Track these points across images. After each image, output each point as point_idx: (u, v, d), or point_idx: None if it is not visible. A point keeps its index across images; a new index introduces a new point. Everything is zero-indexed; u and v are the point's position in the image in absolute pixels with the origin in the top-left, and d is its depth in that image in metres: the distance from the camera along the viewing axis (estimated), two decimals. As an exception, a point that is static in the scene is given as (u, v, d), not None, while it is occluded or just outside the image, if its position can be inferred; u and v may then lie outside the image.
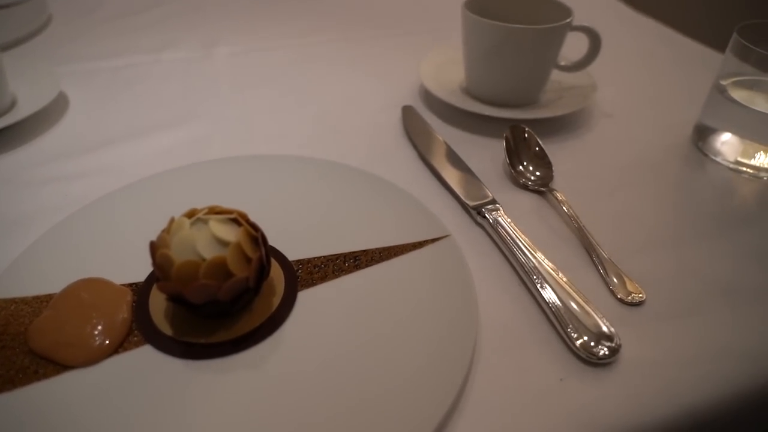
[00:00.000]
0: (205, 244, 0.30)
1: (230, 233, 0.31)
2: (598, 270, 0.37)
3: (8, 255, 0.38)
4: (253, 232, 0.32)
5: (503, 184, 0.45)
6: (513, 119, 0.50)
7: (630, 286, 0.36)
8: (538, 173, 0.45)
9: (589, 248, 0.38)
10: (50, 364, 0.30)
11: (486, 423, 0.29)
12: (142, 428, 0.28)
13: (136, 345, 0.32)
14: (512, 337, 0.33)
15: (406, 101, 0.56)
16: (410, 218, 0.40)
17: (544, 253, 0.37)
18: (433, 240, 0.38)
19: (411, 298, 0.34)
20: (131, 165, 0.48)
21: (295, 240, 0.38)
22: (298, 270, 0.36)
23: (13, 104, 0.54)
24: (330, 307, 0.34)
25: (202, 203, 0.39)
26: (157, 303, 0.34)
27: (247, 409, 0.28)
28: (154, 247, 0.31)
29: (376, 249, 0.38)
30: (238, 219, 0.32)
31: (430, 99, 0.56)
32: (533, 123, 0.51)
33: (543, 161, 0.45)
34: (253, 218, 0.38)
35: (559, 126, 0.52)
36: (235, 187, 0.43)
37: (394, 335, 0.32)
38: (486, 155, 0.48)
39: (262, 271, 0.32)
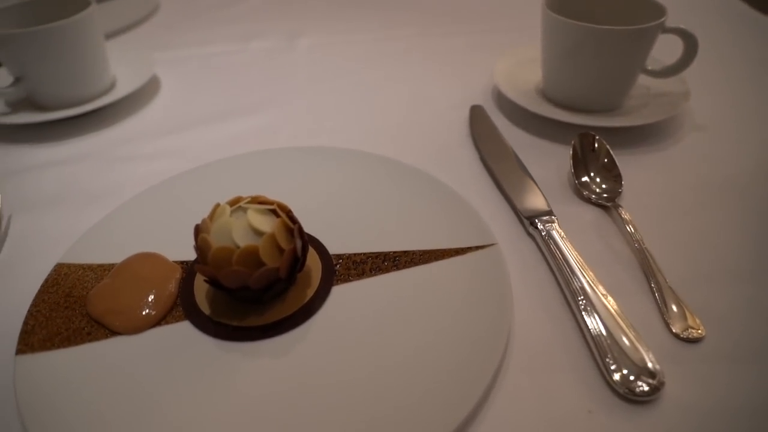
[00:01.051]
0: (241, 232, 0.31)
1: (266, 224, 0.32)
2: (655, 298, 0.34)
3: (85, 225, 0.41)
4: (289, 224, 0.33)
5: (565, 194, 0.42)
6: (589, 126, 0.47)
7: (689, 320, 0.32)
8: (604, 186, 0.42)
9: (648, 273, 0.35)
10: (101, 329, 0.33)
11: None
12: (169, 397, 0.29)
13: (177, 320, 0.34)
14: (544, 359, 0.31)
15: (477, 101, 0.54)
16: (457, 222, 0.39)
17: (595, 273, 0.34)
18: (478, 247, 0.37)
19: (444, 304, 0.33)
20: (205, 148, 0.51)
21: (338, 234, 0.39)
22: (336, 264, 0.37)
23: (112, 86, 0.59)
24: (361, 305, 0.34)
25: (257, 190, 0.41)
26: (201, 283, 0.36)
27: (267, 393, 0.29)
28: (197, 231, 0.33)
29: (417, 251, 0.37)
30: (277, 210, 0.33)
31: (501, 100, 0.54)
32: (610, 131, 0.47)
33: (611, 173, 0.42)
34: (300, 209, 0.39)
35: (639, 136, 0.48)
36: (290, 177, 0.44)
37: (421, 340, 0.31)
38: (552, 163, 0.45)
39: (296, 263, 0.33)
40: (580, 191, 0.42)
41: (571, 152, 0.43)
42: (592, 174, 0.43)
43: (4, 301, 0.36)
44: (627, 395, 0.29)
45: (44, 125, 0.55)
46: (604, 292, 0.33)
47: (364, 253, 0.37)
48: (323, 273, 0.36)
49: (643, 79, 0.50)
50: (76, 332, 0.33)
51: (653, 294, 0.34)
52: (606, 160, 0.43)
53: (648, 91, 0.51)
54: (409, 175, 0.43)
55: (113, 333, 0.33)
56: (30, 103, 0.56)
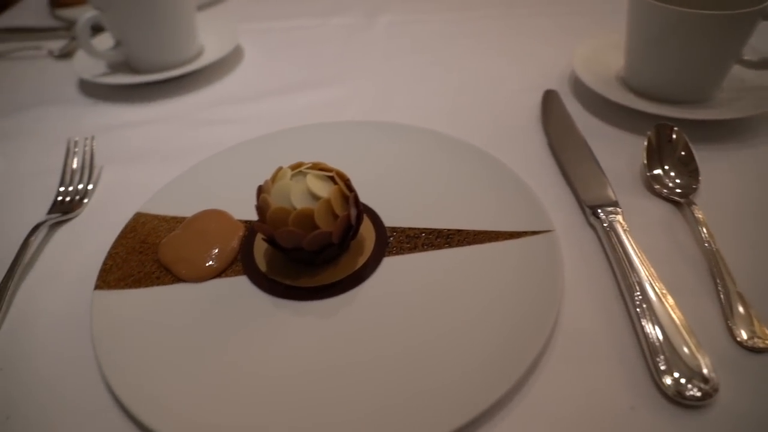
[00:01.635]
0: (299, 195, 0.32)
1: (323, 189, 0.33)
2: (720, 302, 0.32)
3: (164, 180, 0.44)
4: (346, 192, 0.34)
5: (635, 187, 0.40)
6: (672, 118, 0.44)
7: (756, 329, 0.30)
8: (678, 181, 0.39)
9: (717, 275, 0.33)
10: (168, 275, 0.36)
11: (531, 430, 0.27)
12: (220, 342, 0.31)
13: (236, 273, 0.36)
14: (591, 350, 0.30)
15: (553, 86, 0.52)
16: (515, 206, 0.38)
17: (657, 270, 0.33)
18: (534, 232, 0.36)
19: (492, 286, 0.33)
20: (279, 116, 0.53)
21: (395, 207, 0.39)
22: (390, 236, 0.37)
23: (200, 54, 0.62)
24: (410, 278, 0.34)
25: (322, 158, 0.42)
26: (260, 242, 0.38)
27: (310, 350, 0.31)
28: (259, 191, 0.34)
29: (471, 231, 0.37)
30: (335, 177, 0.34)
31: (578, 86, 0.52)
32: (695, 125, 0.44)
33: (687, 168, 0.40)
34: (360, 180, 0.39)
35: (727, 131, 0.45)
36: (354, 149, 0.45)
37: (465, 318, 0.32)
38: (624, 154, 0.43)
39: (349, 230, 0.34)
40: (651, 184, 0.40)
41: (645, 143, 0.41)
42: (666, 167, 0.40)
43: (89, 242, 0.40)
44: (675, 398, 0.27)
45: (137, 87, 0.59)
46: (664, 291, 0.32)
47: (419, 228, 0.38)
48: (376, 243, 0.37)
49: (738, 71, 0.46)
50: (147, 275, 0.36)
51: (719, 297, 0.32)
52: (683, 153, 0.40)
53: (742, 83, 0.47)
54: (470, 155, 0.43)
55: (178, 279, 0.36)
56: (126, 67, 0.61)
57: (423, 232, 0.37)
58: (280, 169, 0.34)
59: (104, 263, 0.37)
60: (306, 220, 0.32)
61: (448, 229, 0.37)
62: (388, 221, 0.38)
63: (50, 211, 0.43)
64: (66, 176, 0.46)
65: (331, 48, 0.64)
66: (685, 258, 0.35)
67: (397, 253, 0.36)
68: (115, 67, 0.61)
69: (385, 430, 0.27)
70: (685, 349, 0.29)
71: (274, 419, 0.28)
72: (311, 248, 0.33)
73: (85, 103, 0.59)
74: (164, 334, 0.32)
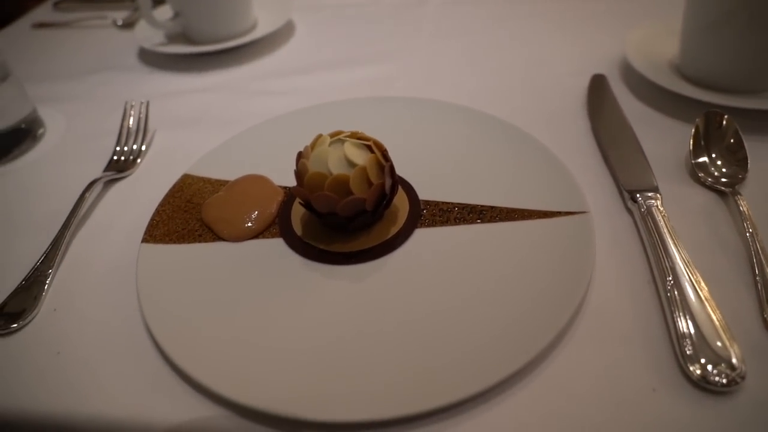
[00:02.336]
0: (336, 161, 0.33)
1: (360, 157, 0.34)
2: (758, 293, 0.31)
3: (211, 145, 0.46)
4: (382, 161, 0.34)
5: (678, 175, 0.39)
6: (726, 107, 0.42)
7: (794, 323, 0.29)
8: (724, 170, 0.38)
9: (757, 266, 0.32)
10: (209, 233, 0.38)
11: (549, 404, 0.27)
12: (255, 299, 0.33)
13: (273, 236, 0.37)
14: (616, 331, 0.30)
15: (602, 71, 0.51)
16: (551, 186, 0.38)
17: (693, 258, 0.32)
18: (568, 213, 0.36)
19: (521, 262, 0.33)
20: (326, 90, 0.54)
21: (430, 181, 0.40)
22: (424, 209, 0.38)
23: (253, 27, 0.64)
24: (440, 249, 0.35)
25: (362, 130, 0.43)
26: (298, 207, 0.39)
27: (340, 313, 0.32)
28: (298, 156, 0.35)
29: (504, 208, 0.37)
30: (373, 147, 0.34)
31: (629, 72, 0.51)
32: (750, 114, 0.42)
33: (735, 157, 0.38)
34: (399, 153, 0.40)
35: (784, 124, 0.43)
36: (395, 123, 0.46)
37: (491, 291, 0.32)
38: (671, 141, 0.42)
39: (383, 198, 0.35)
40: (695, 172, 0.39)
41: (693, 130, 0.40)
42: (713, 155, 0.39)
43: (141, 198, 0.42)
44: (700, 383, 0.27)
45: (192, 57, 0.62)
46: (698, 278, 0.31)
47: (452, 203, 0.38)
48: (409, 214, 0.37)
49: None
50: (190, 232, 0.38)
51: (756, 289, 0.31)
52: (732, 142, 0.39)
53: (805, 75, 0.45)
54: (509, 134, 0.43)
55: (218, 238, 0.37)
56: (183, 37, 0.63)
57: (456, 207, 0.38)
58: (319, 136, 0.35)
59: (152, 219, 0.39)
60: (341, 185, 0.33)
61: (482, 205, 0.37)
62: (423, 194, 0.39)
63: (106, 169, 0.46)
64: (122, 137, 0.49)
65: (381, 26, 0.65)
66: (724, 248, 0.34)
67: (430, 225, 0.37)
68: (173, 38, 0.63)
69: (405, 393, 0.27)
70: (714, 336, 0.28)
71: (300, 374, 0.29)
72: (345, 214, 0.34)
73: (143, 70, 0.61)
74: (202, 287, 0.34)
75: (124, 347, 0.32)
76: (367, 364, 0.29)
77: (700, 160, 0.39)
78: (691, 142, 0.40)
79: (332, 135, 0.35)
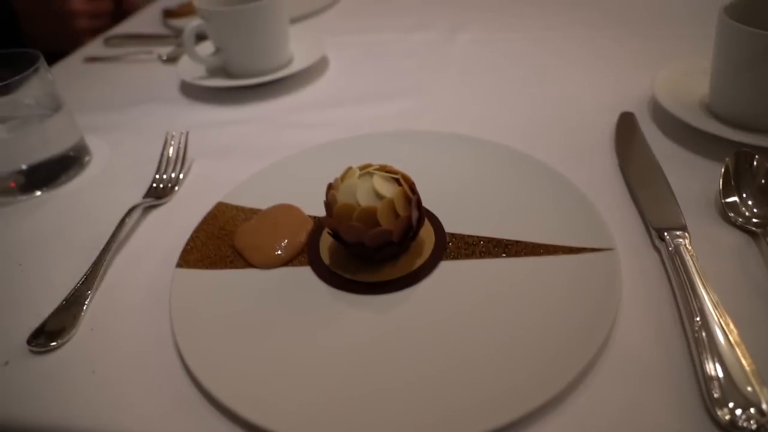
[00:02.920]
0: (365, 193, 0.34)
1: (388, 189, 0.35)
2: (790, 337, 0.30)
3: (246, 174, 0.48)
4: (409, 194, 0.35)
5: (708, 215, 0.39)
6: (756, 146, 0.42)
7: (828, 368, 0.29)
8: (755, 210, 0.38)
9: (789, 310, 0.32)
10: (240, 260, 0.39)
11: (571, 440, 0.27)
12: (280, 324, 0.34)
13: (301, 264, 0.38)
14: (642, 371, 0.30)
15: (631, 108, 0.52)
16: (577, 222, 0.38)
17: (722, 299, 0.32)
18: (594, 250, 0.36)
19: (546, 298, 0.34)
20: (356, 123, 0.56)
21: (456, 214, 0.40)
22: (449, 242, 0.38)
23: (289, 62, 0.67)
24: (464, 283, 0.35)
25: (391, 163, 0.44)
26: (326, 237, 0.40)
27: (363, 342, 0.32)
28: (328, 188, 0.37)
29: (530, 243, 0.37)
30: (401, 180, 0.35)
31: (657, 111, 0.51)
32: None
33: (766, 197, 0.38)
34: (426, 186, 0.41)
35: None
36: (422, 156, 0.47)
37: (514, 327, 0.32)
38: (699, 180, 0.42)
39: (409, 230, 0.35)
40: (725, 212, 0.38)
41: (723, 169, 0.40)
42: (744, 195, 0.39)
43: (177, 224, 0.44)
44: (727, 427, 0.27)
45: (231, 90, 0.65)
46: (727, 319, 0.31)
47: (478, 236, 0.39)
48: (435, 247, 0.38)
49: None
50: (222, 258, 0.39)
51: (789, 332, 0.31)
52: (763, 182, 0.38)
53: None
54: (536, 170, 0.43)
55: (249, 265, 0.39)
56: (223, 72, 0.66)
57: (482, 240, 0.38)
58: (349, 168, 0.37)
59: (186, 245, 0.40)
60: (369, 217, 0.34)
61: (507, 240, 0.38)
62: (449, 227, 0.40)
63: (145, 196, 0.48)
64: (161, 165, 0.51)
65: (411, 62, 0.67)
66: (755, 289, 0.34)
67: (455, 258, 0.37)
68: (213, 72, 0.66)
69: (423, 428, 0.28)
70: (744, 380, 0.28)
71: (322, 401, 0.29)
72: (372, 244, 0.34)
73: (183, 102, 0.64)
74: (232, 312, 0.35)
75: (156, 368, 0.33)
76: (386, 397, 0.29)
77: (730, 199, 0.39)
78: (721, 181, 0.39)
79: (362, 168, 0.36)
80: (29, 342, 0.35)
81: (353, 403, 0.29)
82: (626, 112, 0.50)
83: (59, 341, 0.35)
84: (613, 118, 0.51)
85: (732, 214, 0.38)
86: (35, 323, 0.37)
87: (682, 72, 0.52)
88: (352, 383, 0.30)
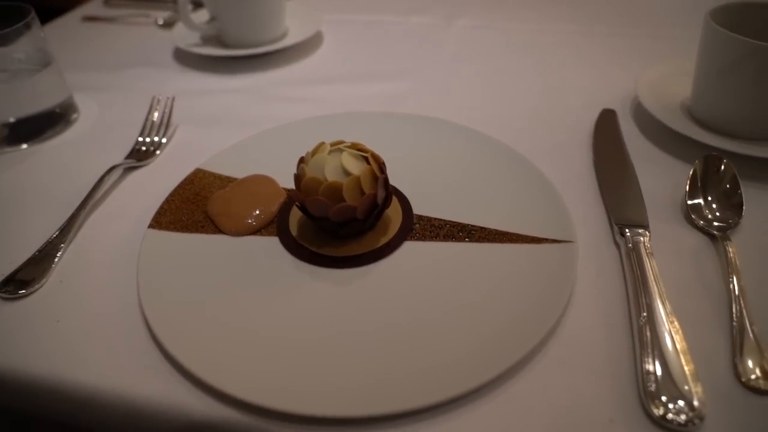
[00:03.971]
0: (332, 169, 0.35)
1: (355, 167, 0.35)
2: (732, 338, 0.31)
3: (227, 143, 0.49)
4: (377, 173, 0.36)
5: (672, 215, 0.40)
6: (732, 152, 0.42)
7: (762, 370, 0.30)
8: (718, 213, 0.38)
9: (735, 312, 0.32)
10: (211, 225, 0.40)
11: (507, 422, 0.28)
12: (244, 291, 0.35)
13: (270, 234, 0.39)
14: (585, 361, 0.31)
15: (614, 106, 0.52)
16: (543, 213, 0.39)
17: (672, 297, 0.33)
18: (555, 241, 0.37)
19: (501, 284, 0.34)
20: (342, 101, 0.56)
21: (427, 197, 0.41)
22: (416, 223, 0.39)
23: (283, 35, 0.67)
24: (425, 263, 0.36)
25: (368, 143, 0.45)
26: (296, 210, 0.41)
27: (322, 313, 0.33)
28: (299, 161, 0.37)
29: (494, 230, 0.38)
30: (369, 158, 0.36)
31: (639, 110, 0.52)
32: (751, 162, 0.43)
33: (730, 201, 0.39)
34: (399, 168, 0.42)
35: (789, 174, 0.43)
36: (400, 139, 0.48)
37: (467, 308, 0.33)
38: (670, 181, 0.43)
39: (374, 208, 0.36)
40: (689, 214, 0.39)
41: (691, 172, 0.40)
42: (709, 198, 0.39)
43: (155, 187, 0.45)
44: (658, 419, 0.28)
45: (223, 59, 0.65)
46: (673, 317, 0.32)
47: (444, 220, 0.39)
48: (401, 227, 0.39)
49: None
50: (194, 223, 0.40)
51: (732, 334, 0.32)
52: (728, 186, 0.39)
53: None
54: (511, 160, 0.44)
55: (219, 231, 0.39)
56: (217, 41, 0.66)
57: (448, 224, 0.39)
58: (321, 144, 0.37)
59: (160, 207, 0.41)
60: (335, 192, 0.34)
61: (472, 225, 0.39)
62: (418, 209, 0.40)
63: (127, 157, 0.49)
64: (145, 128, 0.51)
65: (405, 45, 0.67)
66: (706, 291, 0.34)
67: (419, 239, 0.38)
68: (207, 40, 0.66)
69: (371, 394, 0.29)
70: (680, 375, 0.29)
71: (277, 365, 0.30)
72: (336, 219, 0.35)
73: (176, 68, 0.65)
74: (197, 275, 0.36)
75: (118, 324, 0.34)
76: (341, 364, 0.30)
77: (695, 201, 0.39)
78: (688, 183, 0.40)
79: (333, 144, 0.37)
80: (-1, 288, 0.36)
81: (309, 369, 0.30)
82: (607, 110, 0.51)
83: (28, 290, 0.36)
84: (596, 115, 0.51)
85: (694, 216, 0.39)
86: (7, 271, 0.38)
87: (666, 73, 0.52)
88: (309, 351, 0.31)
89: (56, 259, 0.39)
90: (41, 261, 0.38)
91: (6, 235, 0.42)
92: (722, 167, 0.40)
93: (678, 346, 0.30)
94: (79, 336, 0.34)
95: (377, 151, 0.38)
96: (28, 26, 0.50)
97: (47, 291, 0.37)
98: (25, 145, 0.52)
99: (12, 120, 0.51)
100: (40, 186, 0.47)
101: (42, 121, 0.53)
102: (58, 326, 0.34)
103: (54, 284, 0.37)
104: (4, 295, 0.36)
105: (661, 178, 0.43)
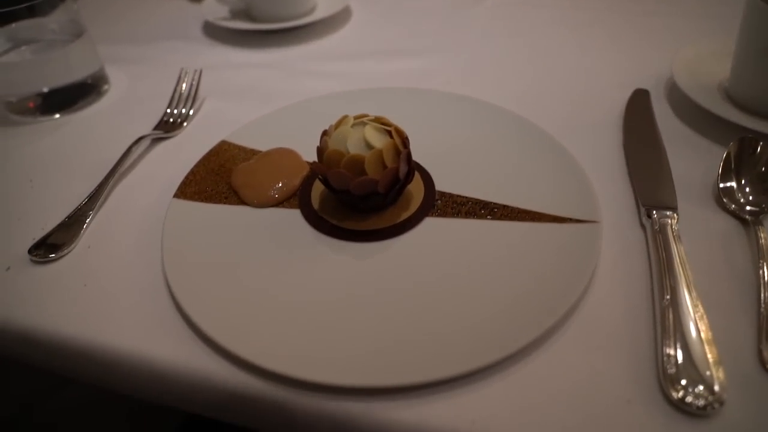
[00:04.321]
0: (355, 142, 0.35)
1: (378, 140, 0.35)
2: (759, 325, 0.30)
3: (252, 116, 0.49)
4: (400, 147, 0.36)
5: (703, 199, 0.39)
6: (764, 133, 0.41)
7: (790, 358, 0.29)
8: (751, 197, 0.37)
9: (766, 302, 0.31)
10: (234, 196, 0.40)
11: (524, 398, 0.28)
12: (265, 261, 0.35)
13: (292, 206, 0.40)
14: (605, 341, 0.30)
15: (647, 86, 0.50)
16: (567, 192, 0.38)
17: (698, 280, 0.32)
18: (578, 221, 0.36)
19: (521, 261, 0.34)
20: (369, 76, 0.56)
21: (449, 174, 0.41)
22: (438, 199, 0.39)
23: (312, 9, 0.66)
24: (445, 239, 0.36)
25: (393, 118, 0.44)
26: (319, 183, 0.41)
27: (340, 286, 0.33)
28: (323, 134, 0.37)
29: (516, 208, 0.38)
30: (393, 133, 0.36)
31: (674, 90, 0.50)
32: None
33: (765, 186, 0.37)
34: (423, 144, 0.41)
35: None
36: (425, 115, 0.47)
37: (487, 283, 0.33)
38: (703, 164, 0.41)
39: (395, 183, 0.36)
40: (720, 197, 0.38)
41: (724, 154, 0.39)
42: (742, 182, 0.38)
43: (181, 158, 0.45)
44: (676, 402, 0.27)
45: (252, 33, 0.65)
46: (697, 301, 0.31)
47: (466, 197, 0.39)
48: (423, 203, 0.39)
49: None
50: (218, 194, 0.41)
51: (758, 321, 0.31)
52: (763, 170, 0.38)
53: None
54: (537, 138, 0.43)
55: (242, 202, 0.40)
56: (246, 15, 0.66)
57: (470, 201, 0.39)
58: (345, 117, 0.37)
59: (186, 177, 0.42)
60: (357, 165, 0.34)
61: (495, 203, 0.38)
62: (441, 186, 0.40)
63: (155, 128, 0.49)
64: (173, 100, 0.52)
65: (434, 21, 0.66)
66: (734, 276, 0.33)
67: (440, 216, 0.38)
68: (236, 14, 0.67)
69: (386, 367, 0.29)
70: (701, 360, 0.28)
71: (294, 334, 0.31)
72: (357, 192, 0.35)
73: (205, 42, 0.65)
74: (220, 244, 0.37)
75: (143, 289, 0.35)
76: (358, 335, 0.31)
77: (728, 184, 0.38)
78: (721, 166, 0.39)
79: (357, 117, 0.37)
80: (30, 252, 0.38)
81: (327, 339, 0.30)
82: (640, 89, 0.49)
83: (58, 254, 0.37)
84: (627, 95, 0.50)
85: (726, 200, 0.37)
86: (38, 236, 0.39)
87: (704, 52, 0.50)
88: (327, 322, 0.31)
89: (85, 225, 0.40)
90: (71, 226, 0.39)
91: (38, 202, 0.43)
92: (758, 150, 0.38)
93: (701, 331, 0.29)
94: (105, 299, 0.35)
95: (401, 127, 0.37)
96: (61, -3, 0.50)
97: (76, 255, 0.38)
98: (57, 115, 0.53)
99: (45, 90, 0.52)
100: (71, 154, 0.48)
101: (74, 91, 0.54)
102: (85, 290, 0.35)
103: (82, 249, 0.38)
104: (35, 259, 0.37)
105: (693, 161, 0.42)
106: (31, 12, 0.49)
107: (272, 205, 0.40)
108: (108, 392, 0.36)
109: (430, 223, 0.37)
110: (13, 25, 0.49)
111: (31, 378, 0.40)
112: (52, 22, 0.52)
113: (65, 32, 0.53)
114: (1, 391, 0.37)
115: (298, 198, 0.40)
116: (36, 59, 0.52)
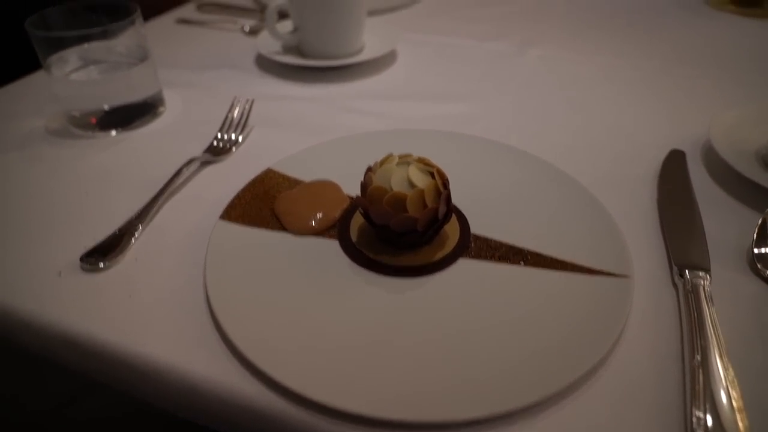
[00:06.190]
0: (398, 180, 0.36)
1: (421, 180, 0.36)
2: (790, 394, 0.30)
3: (297, 147, 0.51)
4: (441, 188, 0.37)
5: (737, 262, 0.39)
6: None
7: (822, 431, 0.29)
8: (786, 267, 0.37)
9: (796, 368, 0.31)
10: (277, 223, 0.42)
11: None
12: (300, 288, 0.37)
13: (331, 237, 0.41)
14: (631, 396, 0.31)
15: (684, 147, 0.51)
16: (600, 244, 0.39)
17: (730, 345, 0.32)
18: (610, 274, 0.36)
19: (551, 310, 0.35)
20: (410, 118, 0.58)
21: (485, 218, 0.42)
22: (473, 242, 0.40)
23: (360, 50, 0.70)
24: (476, 282, 0.37)
25: (434, 159, 0.46)
26: (358, 216, 0.42)
27: (372, 318, 0.34)
28: (367, 170, 0.39)
29: (549, 257, 0.38)
30: (435, 174, 0.37)
31: (710, 153, 0.50)
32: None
33: (800, 256, 0.37)
34: (461, 186, 0.43)
35: None
36: (465, 159, 0.49)
37: (515, 330, 0.33)
38: (737, 227, 0.42)
39: (434, 222, 0.37)
40: (754, 263, 0.38)
41: (760, 220, 0.39)
42: (778, 249, 0.38)
43: (228, 181, 0.47)
44: (704, 464, 0.27)
45: (301, 69, 0.68)
46: (727, 365, 0.31)
47: (501, 242, 0.40)
48: (458, 244, 0.40)
49: None
50: (260, 219, 0.42)
51: (790, 390, 0.31)
52: (800, 240, 0.38)
53: None
54: (572, 189, 0.44)
55: (283, 229, 0.42)
56: (297, 50, 0.70)
57: (503, 246, 0.39)
58: (390, 155, 0.39)
59: (232, 201, 0.44)
60: (398, 202, 0.36)
61: (528, 250, 0.39)
62: (476, 229, 0.41)
63: (205, 151, 0.52)
64: (224, 126, 0.55)
65: (478, 69, 0.68)
66: (767, 342, 0.33)
67: (474, 258, 0.39)
68: (288, 50, 0.70)
69: (409, 402, 0.30)
70: (731, 426, 0.28)
71: (325, 362, 0.32)
72: (397, 229, 0.36)
73: (256, 73, 0.68)
74: (260, 267, 0.38)
75: (184, 304, 0.37)
76: (385, 368, 0.31)
77: (763, 250, 0.38)
78: (756, 231, 0.39)
79: (401, 156, 0.38)
80: (82, 259, 0.40)
81: (356, 369, 0.31)
82: (676, 150, 0.50)
83: (107, 264, 0.39)
84: (663, 154, 0.50)
85: (760, 266, 0.38)
86: (90, 244, 0.41)
87: (743, 118, 0.51)
88: (357, 352, 0.32)
89: (133, 239, 0.42)
90: (120, 239, 0.42)
91: (91, 213, 0.45)
92: (795, 218, 0.39)
93: (731, 393, 0.29)
94: (147, 312, 0.36)
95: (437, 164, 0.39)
96: (132, 22, 0.54)
97: (123, 266, 0.40)
98: (114, 132, 0.56)
99: (107, 107, 0.56)
100: (125, 170, 0.50)
101: (133, 110, 0.57)
102: (129, 300, 0.37)
103: (130, 261, 0.40)
104: (85, 266, 0.39)
105: (727, 224, 0.42)
106: (104, 35, 0.53)
107: (312, 234, 0.41)
108: (134, 407, 0.37)
109: (463, 265, 0.38)
110: (86, 45, 0.53)
111: (62, 380, 0.42)
112: (121, 45, 0.56)
113: (132, 55, 0.56)
114: (38, 388, 0.39)
115: (337, 229, 0.42)
116: (102, 79, 0.55)
